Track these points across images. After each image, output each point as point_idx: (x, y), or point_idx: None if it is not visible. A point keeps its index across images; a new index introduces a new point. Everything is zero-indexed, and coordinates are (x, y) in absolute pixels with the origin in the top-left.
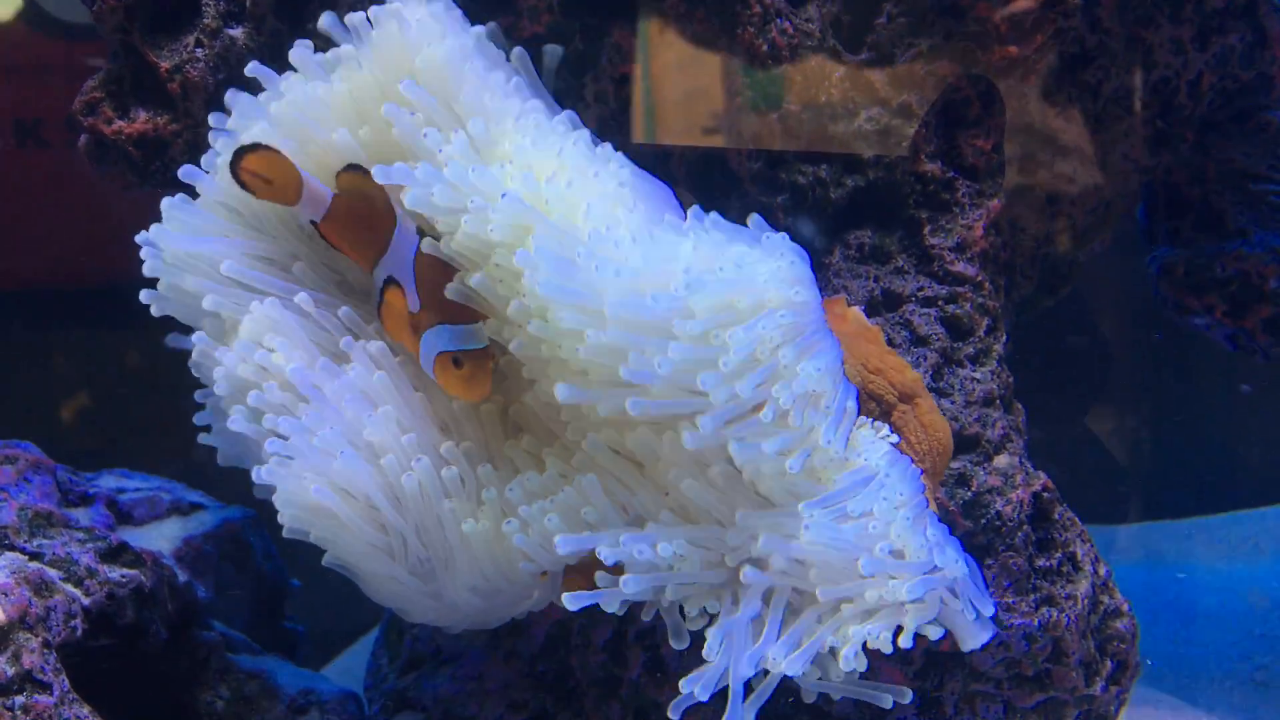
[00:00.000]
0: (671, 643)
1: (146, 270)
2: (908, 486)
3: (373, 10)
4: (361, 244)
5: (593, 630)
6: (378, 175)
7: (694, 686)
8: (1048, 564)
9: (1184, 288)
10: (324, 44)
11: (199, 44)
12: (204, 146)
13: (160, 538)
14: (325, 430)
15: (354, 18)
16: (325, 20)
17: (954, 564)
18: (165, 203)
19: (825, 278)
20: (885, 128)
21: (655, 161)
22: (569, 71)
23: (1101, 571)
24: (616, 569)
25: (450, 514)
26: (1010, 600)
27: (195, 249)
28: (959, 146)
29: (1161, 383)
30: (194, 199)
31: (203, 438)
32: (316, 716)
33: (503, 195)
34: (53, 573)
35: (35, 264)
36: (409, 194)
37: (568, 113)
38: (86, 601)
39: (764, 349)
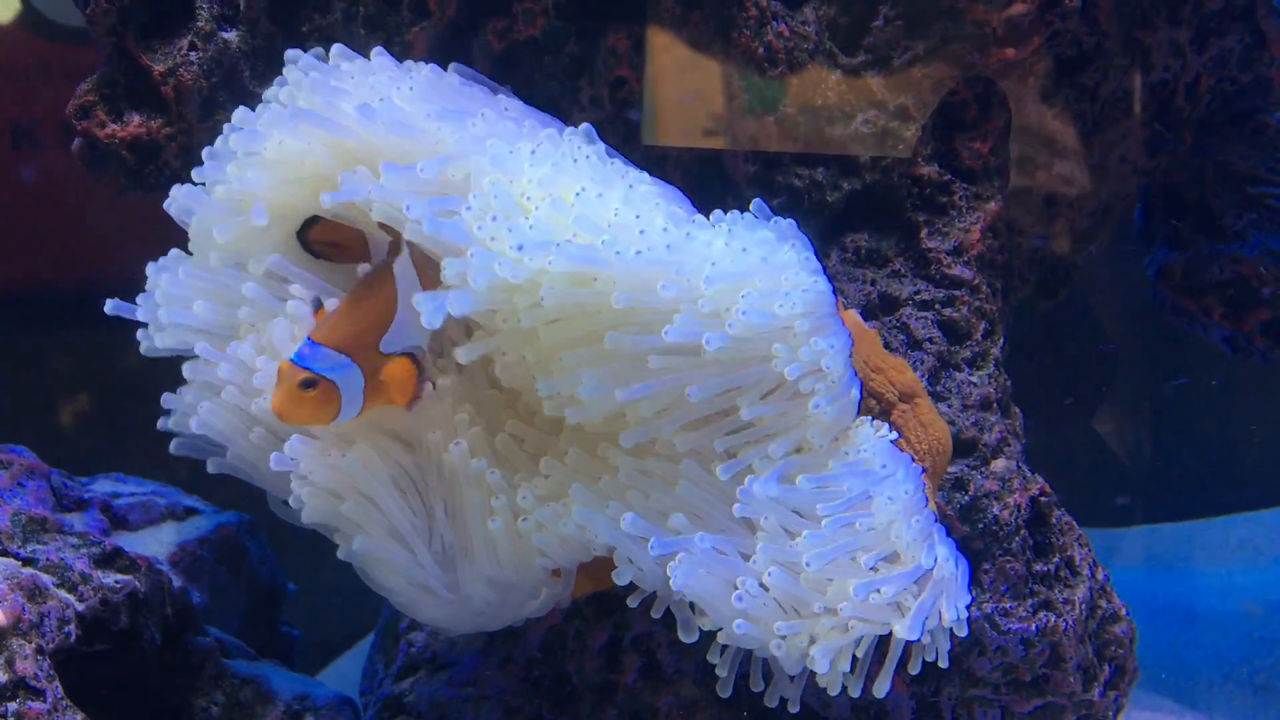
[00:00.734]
0: (680, 636)
1: (144, 351)
2: (909, 484)
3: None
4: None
5: (589, 636)
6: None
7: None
8: (1045, 569)
9: (1182, 290)
10: (317, 46)
11: (192, 47)
12: (197, 150)
13: (155, 543)
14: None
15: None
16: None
17: (946, 565)
18: (150, 271)
19: None
20: (882, 131)
21: (651, 166)
22: (564, 75)
23: (1099, 576)
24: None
25: (478, 502)
26: (1008, 605)
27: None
28: (956, 149)
29: (1160, 386)
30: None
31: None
32: None
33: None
34: (46, 578)
35: (29, 266)
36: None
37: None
38: (81, 607)
39: (781, 314)
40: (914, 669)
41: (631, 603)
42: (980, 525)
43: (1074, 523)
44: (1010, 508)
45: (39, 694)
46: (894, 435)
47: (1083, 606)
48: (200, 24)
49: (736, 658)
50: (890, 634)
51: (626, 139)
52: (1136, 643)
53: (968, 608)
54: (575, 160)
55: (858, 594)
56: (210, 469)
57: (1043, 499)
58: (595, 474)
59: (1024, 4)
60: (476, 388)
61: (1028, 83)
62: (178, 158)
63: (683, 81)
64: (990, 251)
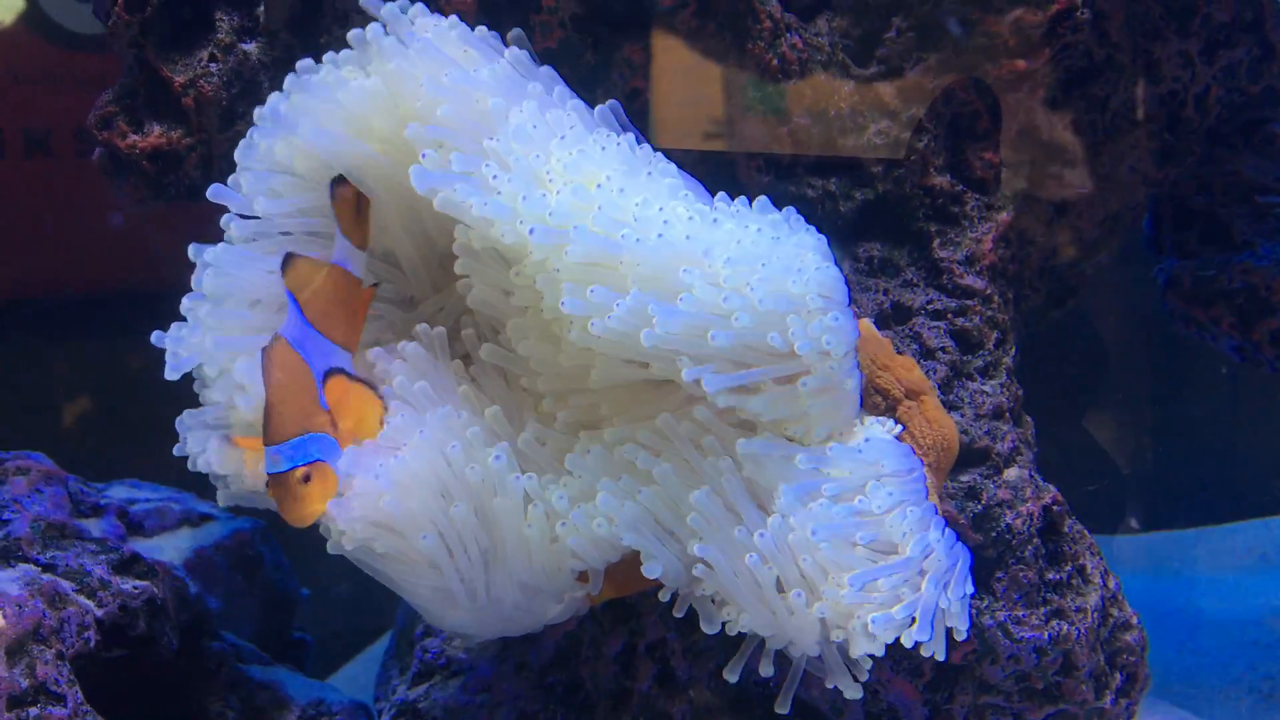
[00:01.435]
0: (704, 627)
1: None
2: (909, 484)
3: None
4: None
5: (603, 642)
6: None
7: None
8: (1057, 577)
9: (1191, 300)
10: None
11: (212, 59)
12: (218, 160)
13: (171, 549)
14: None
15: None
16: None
17: (942, 560)
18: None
19: None
20: (894, 141)
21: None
22: (581, 86)
23: (1111, 584)
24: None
25: (511, 509)
26: (1020, 613)
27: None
28: (967, 160)
29: (1165, 394)
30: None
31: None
32: None
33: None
34: (66, 584)
35: (42, 273)
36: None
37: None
38: (99, 613)
39: (793, 288)
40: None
41: (663, 598)
42: (993, 534)
43: (1085, 531)
44: (1023, 516)
45: (59, 699)
46: (899, 429)
47: (1095, 614)
48: (220, 36)
49: (760, 649)
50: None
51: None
52: (1148, 650)
53: (970, 597)
54: (604, 147)
55: (853, 583)
56: (221, 501)
57: (1055, 508)
58: (618, 472)
59: (1035, 16)
60: (495, 391)
61: (1038, 94)
62: (198, 168)
63: (696, 92)
64: (1002, 261)
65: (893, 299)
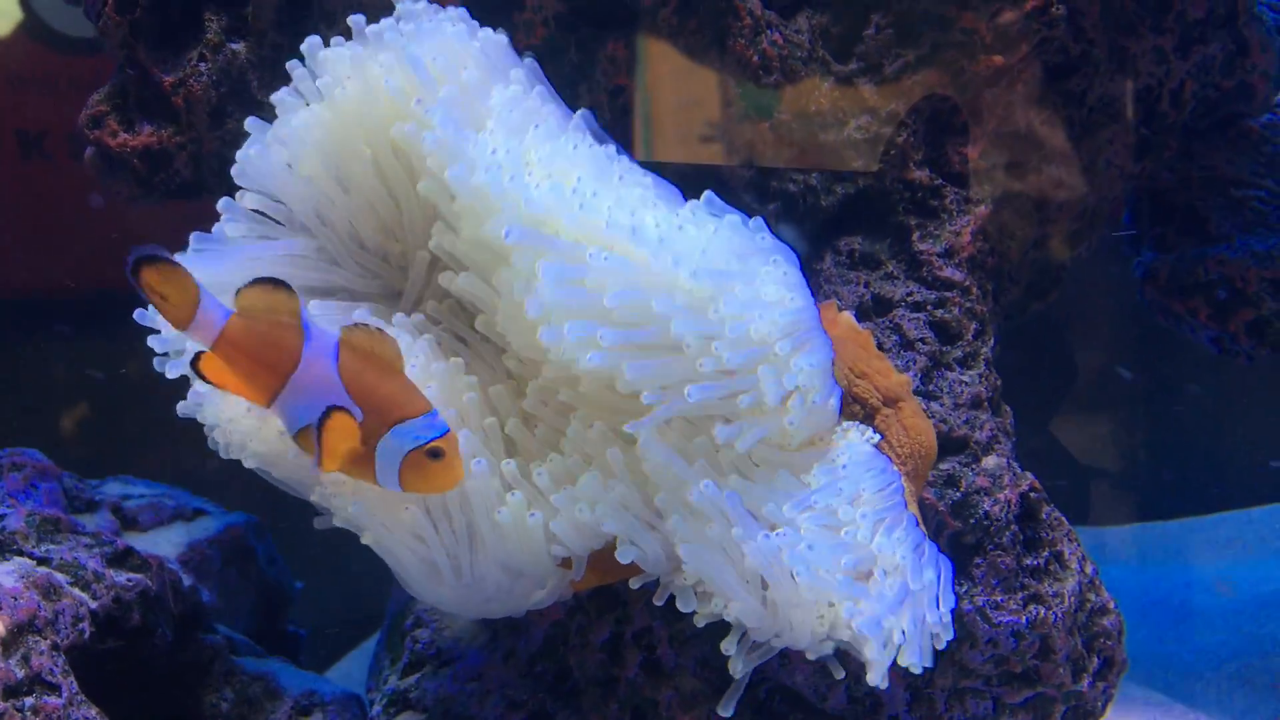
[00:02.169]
0: (680, 606)
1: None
2: (886, 498)
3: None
4: (260, 372)
5: (590, 631)
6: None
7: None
8: (1035, 562)
9: (1169, 292)
10: None
11: (202, 58)
12: (207, 159)
13: (165, 543)
14: None
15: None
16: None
17: (927, 582)
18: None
19: (817, 283)
20: (874, 136)
21: (649, 169)
22: (564, 83)
23: (1088, 570)
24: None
25: (485, 493)
26: (999, 598)
27: None
28: (947, 154)
29: (1151, 387)
30: None
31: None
32: (320, 718)
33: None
34: (61, 577)
35: (37, 273)
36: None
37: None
38: (94, 605)
39: (761, 338)
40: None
41: (633, 584)
42: (972, 520)
43: (1063, 518)
44: (1001, 503)
45: (54, 689)
46: (877, 438)
47: (1072, 599)
48: (209, 36)
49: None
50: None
51: (626, 144)
52: (1124, 635)
53: (951, 611)
54: (575, 146)
55: (846, 611)
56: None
57: (1032, 495)
58: (604, 460)
59: (1012, 12)
60: (486, 376)
61: (1016, 89)
62: (188, 166)
63: (679, 89)
64: (981, 254)
65: (874, 291)
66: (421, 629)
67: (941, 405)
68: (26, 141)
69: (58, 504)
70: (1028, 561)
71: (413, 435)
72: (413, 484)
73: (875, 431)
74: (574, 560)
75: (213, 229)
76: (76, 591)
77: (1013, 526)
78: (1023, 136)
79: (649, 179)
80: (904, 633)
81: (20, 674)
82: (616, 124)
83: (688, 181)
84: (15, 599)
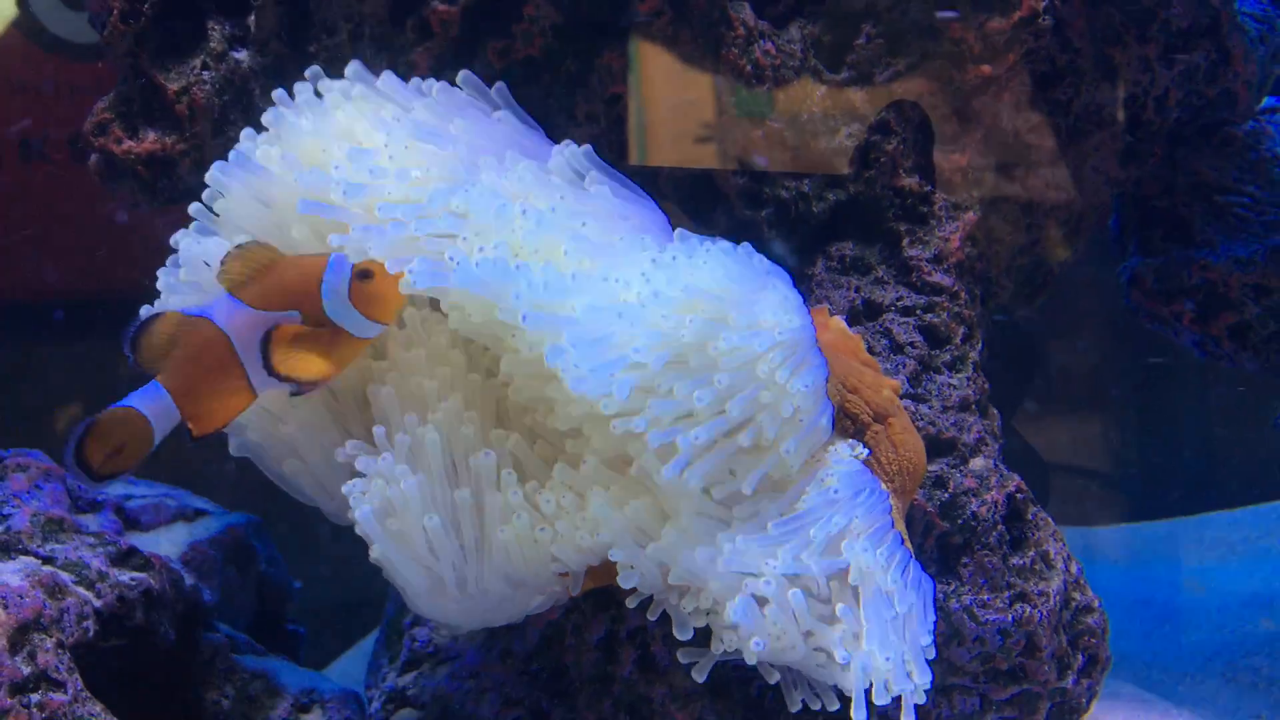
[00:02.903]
0: (677, 634)
1: None
2: (873, 518)
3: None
4: (224, 377)
5: (586, 630)
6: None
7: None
8: (1021, 562)
9: (1154, 296)
10: (327, 63)
11: (205, 67)
12: (210, 165)
13: (167, 543)
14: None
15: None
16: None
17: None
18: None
19: (808, 288)
20: (865, 144)
21: (644, 178)
22: (562, 92)
23: (1073, 569)
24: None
25: (498, 507)
26: (985, 597)
27: None
28: (936, 161)
29: (1140, 391)
30: None
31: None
32: (319, 715)
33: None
34: (65, 576)
35: (37, 276)
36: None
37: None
38: (98, 604)
39: (761, 368)
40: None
41: (630, 603)
42: (959, 521)
43: (1049, 518)
44: (988, 504)
45: (60, 686)
46: (865, 453)
47: (1057, 598)
48: (213, 44)
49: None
50: None
51: (622, 152)
52: (1109, 633)
53: (931, 631)
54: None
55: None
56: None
57: (1019, 495)
58: (607, 481)
59: (1000, 23)
60: (489, 394)
61: (1004, 97)
62: (191, 172)
63: (673, 98)
64: (969, 259)
65: (864, 296)
66: (419, 627)
67: (930, 408)
68: (27, 145)
69: (61, 504)
70: (1014, 561)
71: (336, 271)
72: (374, 309)
73: (864, 447)
74: (572, 575)
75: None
76: (81, 590)
77: (999, 527)
78: (1010, 144)
79: (625, 208)
80: (887, 659)
81: (26, 671)
82: (612, 132)
83: (682, 189)
84: (21, 597)
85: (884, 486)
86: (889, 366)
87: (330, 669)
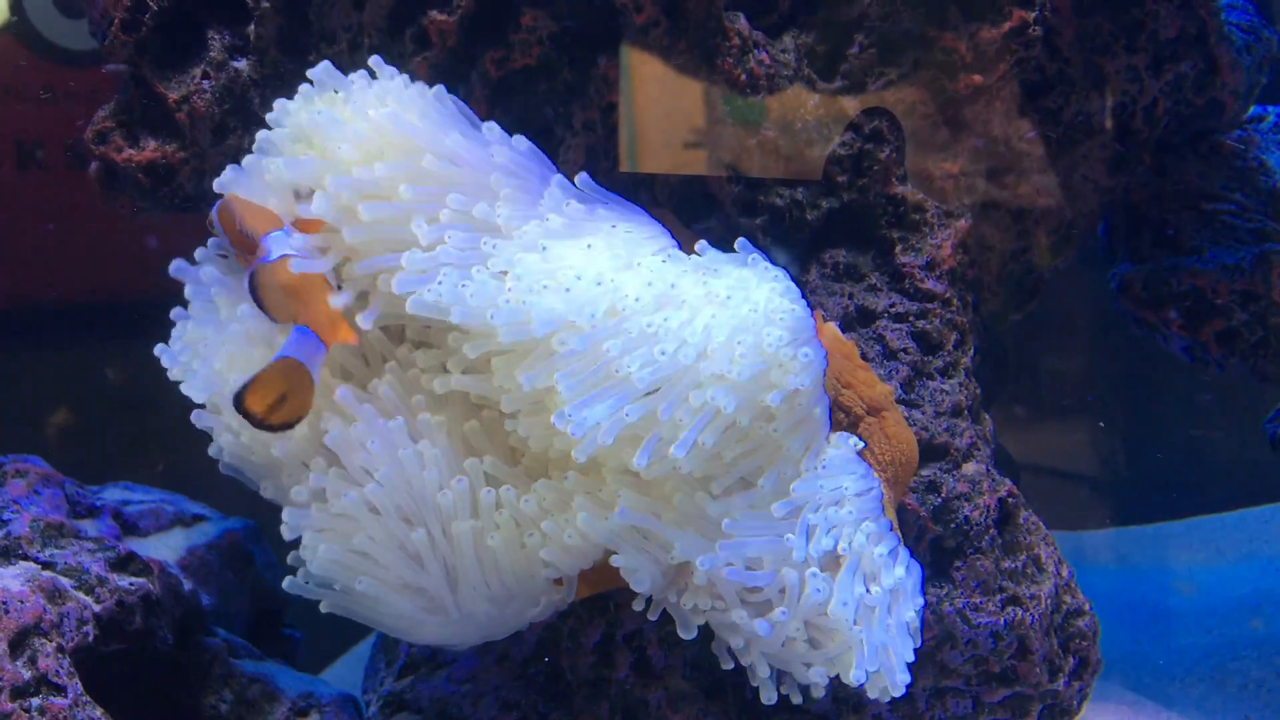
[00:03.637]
0: (681, 634)
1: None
2: (865, 506)
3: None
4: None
5: (582, 634)
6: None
7: None
8: (1013, 565)
9: (1142, 302)
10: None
11: (205, 76)
12: (210, 174)
13: (165, 548)
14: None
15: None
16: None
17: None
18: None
19: (803, 295)
20: (858, 152)
21: (639, 186)
22: (559, 101)
23: (1064, 573)
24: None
25: (470, 531)
26: (978, 600)
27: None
28: (928, 169)
29: (1129, 395)
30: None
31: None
32: (317, 718)
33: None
34: (65, 581)
35: (34, 282)
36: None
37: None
38: (97, 608)
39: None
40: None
41: (637, 606)
42: (952, 525)
43: (1040, 522)
44: (980, 508)
45: (60, 690)
46: (860, 445)
47: (1048, 601)
48: (213, 54)
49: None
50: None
51: (618, 161)
52: (1099, 636)
53: (920, 612)
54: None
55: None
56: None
57: (1010, 500)
58: (597, 484)
59: (991, 33)
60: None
61: (995, 106)
62: (191, 180)
63: (669, 107)
64: (961, 266)
65: (857, 303)
66: None
67: (923, 413)
68: (24, 152)
69: (61, 509)
70: (1006, 565)
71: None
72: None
73: (859, 438)
74: (565, 580)
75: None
76: (80, 595)
77: (991, 531)
78: (1001, 152)
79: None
80: (878, 641)
81: (27, 675)
82: (609, 140)
83: (677, 197)
84: (21, 602)
85: (876, 475)
86: (882, 372)
87: (327, 673)
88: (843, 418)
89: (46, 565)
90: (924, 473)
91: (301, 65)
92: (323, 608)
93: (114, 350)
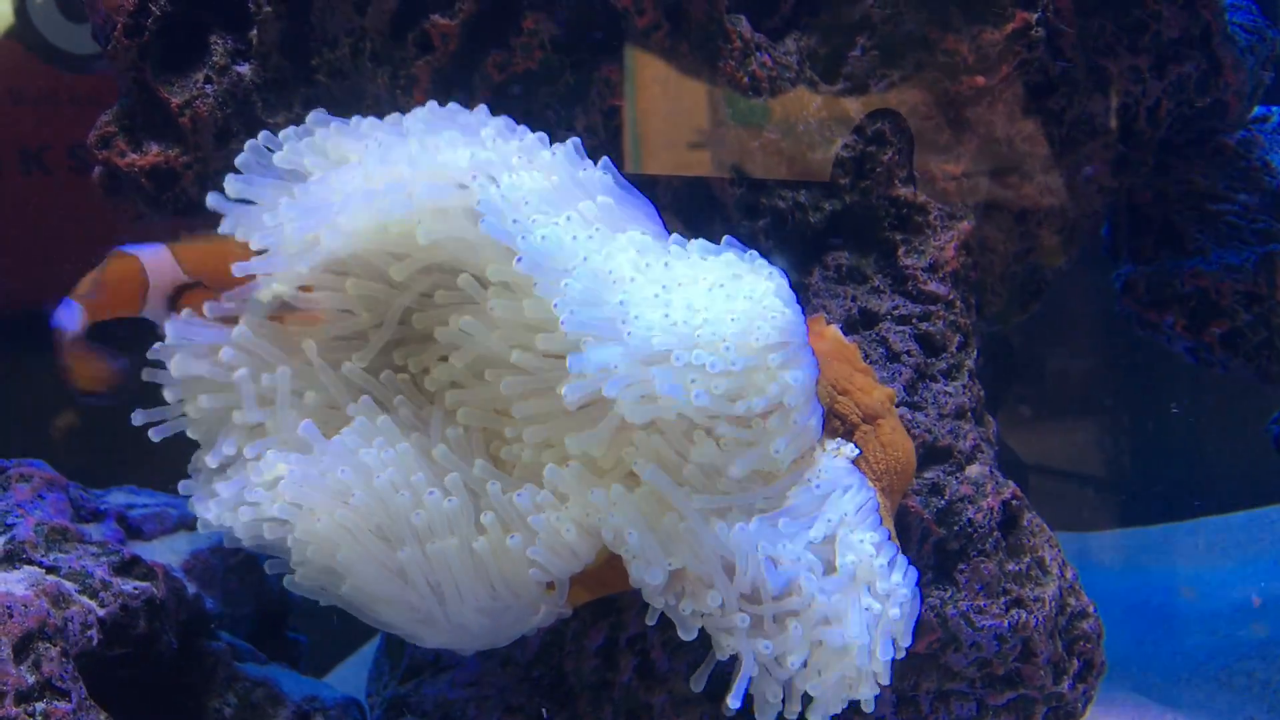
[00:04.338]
0: (682, 635)
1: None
2: (861, 512)
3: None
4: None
5: (585, 637)
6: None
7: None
8: (1017, 568)
9: (1146, 303)
10: (326, 79)
11: (208, 80)
12: (213, 178)
13: (169, 552)
14: (337, 472)
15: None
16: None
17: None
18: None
19: (805, 297)
20: (860, 154)
21: (641, 189)
22: (561, 104)
23: (1068, 575)
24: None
25: (453, 546)
26: (982, 603)
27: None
28: (931, 171)
29: (1135, 397)
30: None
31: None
32: None
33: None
34: (69, 585)
35: (37, 287)
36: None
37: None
38: (101, 613)
39: (755, 352)
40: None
41: (649, 621)
42: (956, 527)
43: (1044, 524)
44: (984, 511)
45: (64, 694)
46: (856, 452)
47: (1052, 604)
48: (215, 58)
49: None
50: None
51: (620, 164)
52: (1104, 638)
53: (916, 622)
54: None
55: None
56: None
57: (1014, 502)
58: (602, 484)
59: (993, 34)
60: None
61: (998, 108)
62: (194, 185)
63: (671, 110)
64: (964, 268)
65: (860, 305)
66: None
67: (926, 416)
68: (27, 157)
69: (65, 514)
70: (1010, 567)
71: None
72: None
73: (854, 446)
74: (557, 585)
75: None
76: (85, 599)
77: (995, 533)
78: (1004, 153)
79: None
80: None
81: (31, 680)
82: (611, 143)
83: (680, 200)
84: (26, 606)
85: (870, 484)
86: (885, 375)
87: (331, 676)
88: (838, 425)
89: (50, 569)
90: (927, 475)
91: (304, 69)
92: (323, 601)
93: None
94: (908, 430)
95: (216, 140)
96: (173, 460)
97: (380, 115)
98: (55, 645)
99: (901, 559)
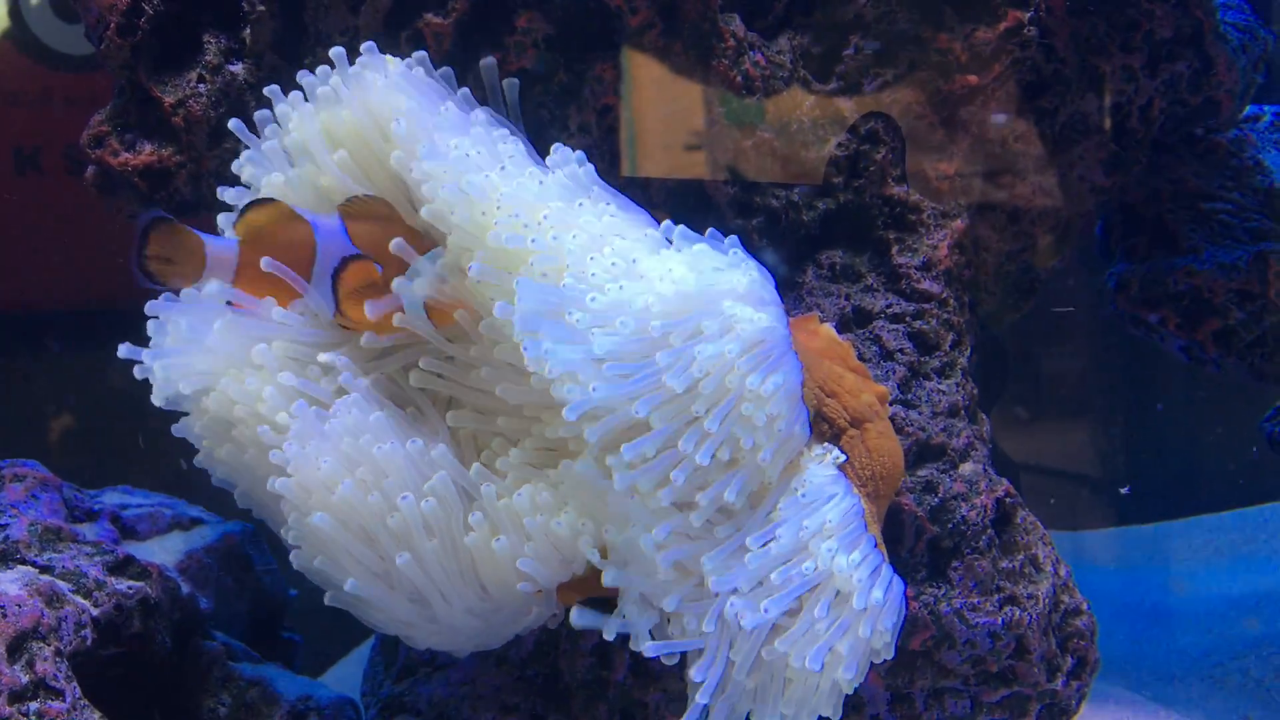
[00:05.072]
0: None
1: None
2: (849, 525)
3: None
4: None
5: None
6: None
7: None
8: (1010, 565)
9: (1139, 302)
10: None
11: (201, 79)
12: (206, 177)
13: (164, 551)
14: (325, 461)
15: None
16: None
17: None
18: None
19: (799, 296)
20: (854, 153)
21: (636, 188)
22: (554, 103)
23: (1062, 572)
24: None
25: (436, 549)
26: (975, 601)
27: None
28: (924, 170)
29: (1128, 396)
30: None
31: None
32: None
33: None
34: (63, 585)
35: (32, 287)
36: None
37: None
38: (95, 612)
39: (729, 368)
40: None
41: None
42: (949, 525)
43: (1038, 522)
44: (977, 508)
45: (58, 694)
46: (842, 458)
47: (1046, 601)
48: (208, 58)
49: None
50: None
51: (613, 162)
52: (1097, 635)
53: (897, 628)
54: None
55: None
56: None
57: (1008, 500)
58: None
59: (986, 33)
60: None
61: (990, 106)
62: (187, 184)
63: (664, 108)
64: (957, 267)
65: (854, 303)
66: None
67: (920, 414)
68: (22, 157)
69: (58, 514)
70: (1003, 565)
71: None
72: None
73: (841, 451)
74: (544, 594)
75: None
76: (79, 599)
77: (989, 531)
78: (997, 152)
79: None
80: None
81: (25, 679)
82: (605, 142)
83: (673, 199)
84: (19, 606)
85: (855, 491)
86: (879, 373)
87: (326, 676)
88: (826, 429)
89: (44, 569)
90: (921, 473)
91: (297, 68)
92: (327, 600)
93: (113, 355)
94: (901, 428)
95: (209, 139)
96: (167, 461)
97: None
98: (49, 645)
99: (887, 568)
